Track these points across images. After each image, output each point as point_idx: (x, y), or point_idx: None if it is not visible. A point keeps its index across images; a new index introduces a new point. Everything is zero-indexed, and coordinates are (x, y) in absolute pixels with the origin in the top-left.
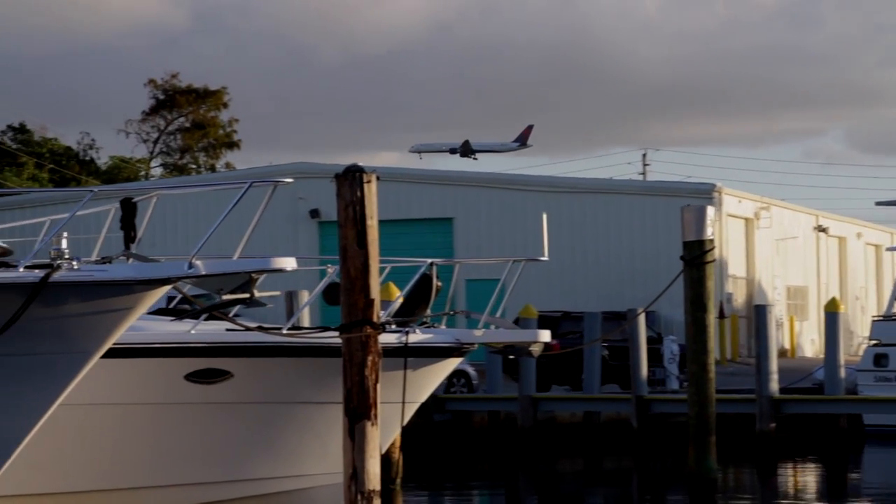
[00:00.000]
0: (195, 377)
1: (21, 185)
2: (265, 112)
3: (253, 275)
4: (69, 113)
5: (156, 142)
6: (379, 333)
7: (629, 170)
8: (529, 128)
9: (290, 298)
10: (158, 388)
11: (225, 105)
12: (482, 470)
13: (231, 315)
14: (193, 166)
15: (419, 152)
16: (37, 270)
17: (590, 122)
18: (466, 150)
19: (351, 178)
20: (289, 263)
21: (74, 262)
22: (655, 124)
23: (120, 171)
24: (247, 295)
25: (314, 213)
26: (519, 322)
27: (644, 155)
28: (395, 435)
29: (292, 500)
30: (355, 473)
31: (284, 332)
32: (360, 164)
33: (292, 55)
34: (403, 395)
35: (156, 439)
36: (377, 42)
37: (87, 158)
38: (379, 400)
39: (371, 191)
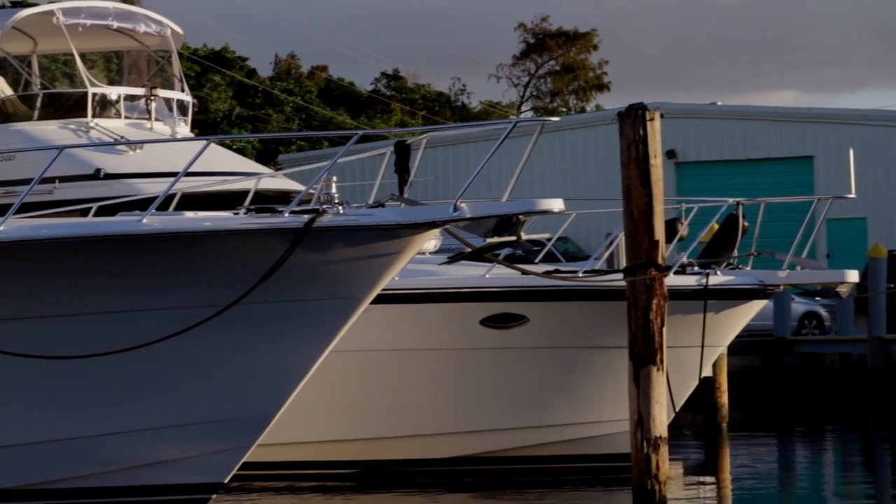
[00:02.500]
0: (491, 322)
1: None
2: (635, 53)
3: (520, 217)
4: (442, 59)
5: (526, 86)
6: (664, 276)
7: None
8: None
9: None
10: (455, 334)
11: (595, 47)
12: (832, 413)
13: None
14: (563, 109)
15: None
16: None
17: None
18: None
19: (633, 117)
20: (556, 205)
21: (340, 207)
22: None
23: (489, 116)
24: (513, 238)
25: (671, 154)
26: (869, 262)
27: None
28: (695, 380)
29: (594, 446)
30: (640, 420)
31: (581, 274)
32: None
33: None
34: (703, 339)
35: (454, 385)
36: None
37: (459, 104)
38: (670, 344)
39: (654, 129)
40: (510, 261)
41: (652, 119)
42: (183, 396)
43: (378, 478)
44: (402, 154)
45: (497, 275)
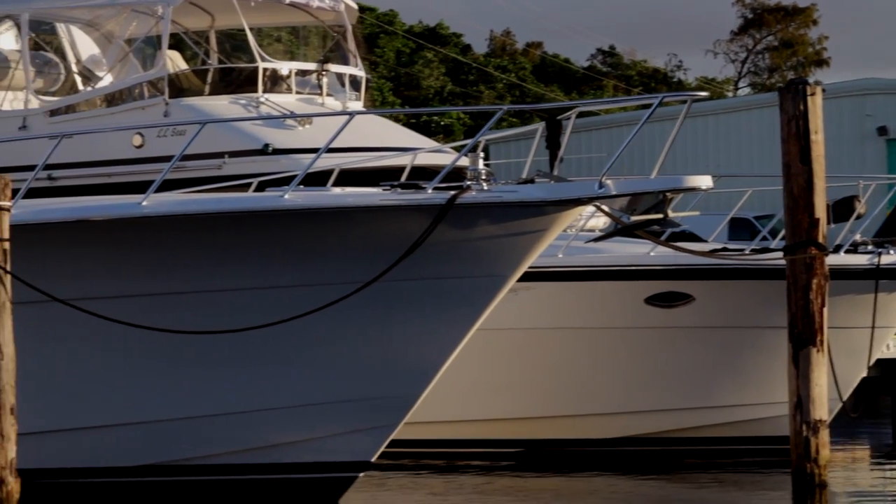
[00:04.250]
0: (656, 300)
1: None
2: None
3: (667, 194)
4: (658, 35)
5: (743, 62)
6: (825, 255)
7: None
8: None
9: None
10: (620, 312)
11: (815, 22)
12: None
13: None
14: (781, 85)
15: None
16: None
17: None
18: None
19: (794, 92)
20: (703, 182)
21: (485, 184)
22: None
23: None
24: (660, 215)
25: (882, 131)
26: None
27: None
28: (865, 361)
29: (760, 428)
30: (800, 402)
31: (748, 252)
32: None
33: None
34: (873, 321)
35: (618, 365)
36: None
37: (675, 80)
38: (840, 325)
39: (815, 104)
40: (680, 238)
41: (813, 94)
42: (326, 374)
43: (540, 457)
44: (554, 129)
45: (662, 253)
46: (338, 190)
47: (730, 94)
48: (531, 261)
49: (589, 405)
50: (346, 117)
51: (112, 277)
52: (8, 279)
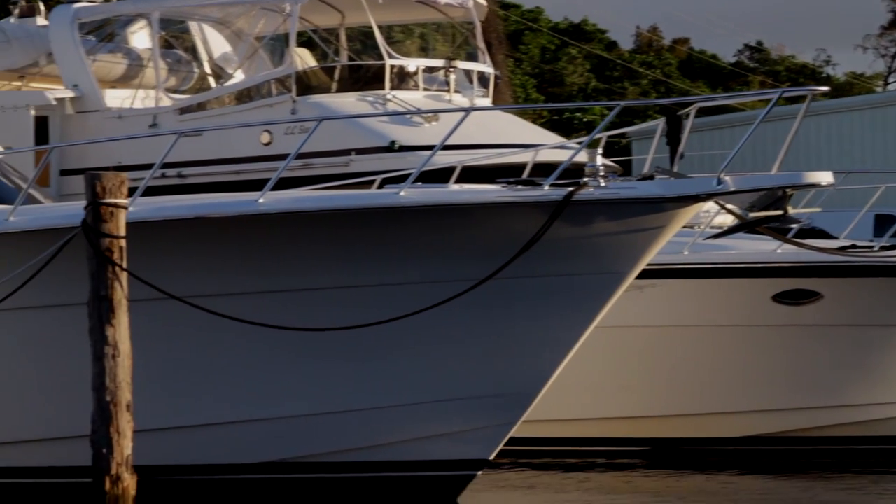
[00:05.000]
0: (784, 298)
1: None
2: None
3: (787, 190)
4: (807, 30)
5: (894, 56)
6: None
7: None
8: None
9: None
10: (747, 310)
11: None
12: None
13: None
14: None
15: None
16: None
17: None
18: None
19: None
20: (824, 178)
21: (602, 180)
22: None
23: (853, 88)
24: (780, 212)
25: None
26: None
27: None
28: None
29: (891, 427)
30: None
31: (876, 250)
32: None
33: None
34: None
35: (745, 363)
36: None
37: (823, 75)
38: None
39: None
40: (808, 235)
41: None
42: (443, 371)
43: (667, 456)
44: (674, 125)
45: (790, 250)
46: (455, 187)
47: (879, 89)
48: (649, 258)
49: (716, 403)
50: (473, 114)
51: (229, 274)
52: (124, 276)
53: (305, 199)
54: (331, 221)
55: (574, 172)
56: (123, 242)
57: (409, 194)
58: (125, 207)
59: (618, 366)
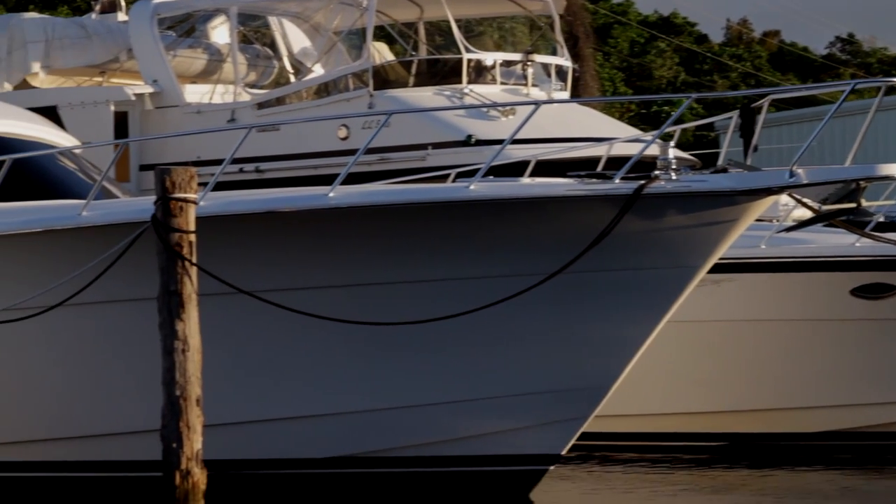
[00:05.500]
0: (862, 292)
1: (836, 96)
2: None
3: (860, 183)
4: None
5: None
6: None
7: None
8: None
9: None
10: (824, 304)
11: None
12: None
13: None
14: None
15: None
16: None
17: None
18: None
19: None
20: None
21: (673, 174)
22: None
23: None
24: (853, 205)
25: None
26: None
27: None
28: None
29: None
30: None
31: None
32: None
33: None
34: None
35: (823, 357)
36: None
37: None
38: None
39: None
40: (888, 229)
41: None
42: (514, 366)
43: (744, 451)
44: (748, 117)
45: (868, 243)
46: (526, 180)
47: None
48: (722, 252)
49: (792, 398)
50: (550, 107)
51: (299, 269)
52: (194, 271)
53: (375, 193)
54: (401, 215)
55: (650, 166)
56: (193, 237)
57: (478, 188)
58: (195, 202)
59: (694, 360)
